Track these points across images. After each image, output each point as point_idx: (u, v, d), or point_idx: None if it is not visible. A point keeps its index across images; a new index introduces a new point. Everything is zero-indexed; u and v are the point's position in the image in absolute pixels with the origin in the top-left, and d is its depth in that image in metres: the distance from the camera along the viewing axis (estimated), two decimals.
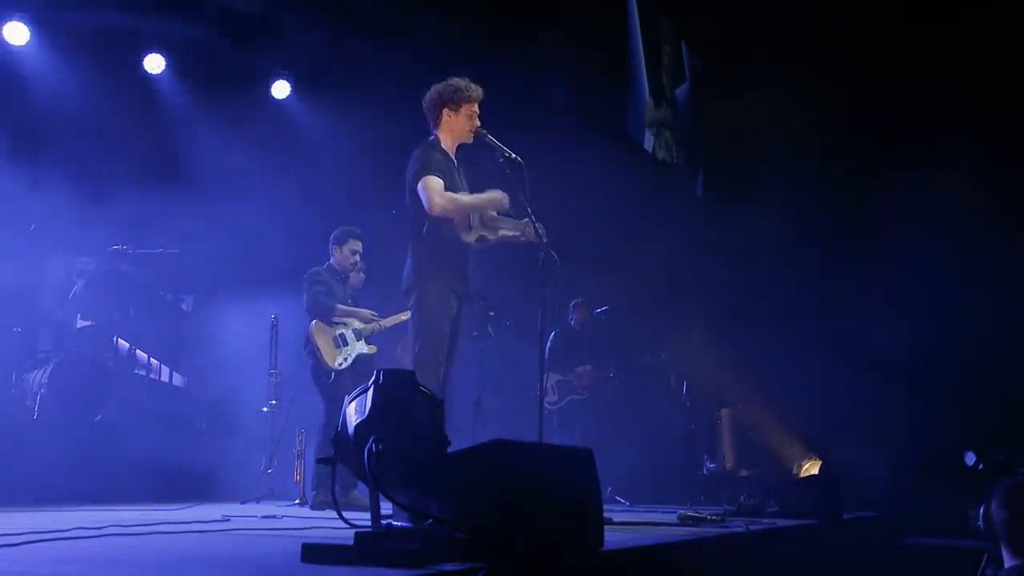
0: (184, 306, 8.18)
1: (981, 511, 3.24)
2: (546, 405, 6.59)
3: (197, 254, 7.66)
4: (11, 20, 7.41)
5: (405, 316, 5.47)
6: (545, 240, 4.71)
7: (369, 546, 2.51)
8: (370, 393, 3.18)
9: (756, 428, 8.65)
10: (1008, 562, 3.17)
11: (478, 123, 4.92)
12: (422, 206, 4.73)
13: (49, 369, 6.62)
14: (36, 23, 7.50)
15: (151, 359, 7.49)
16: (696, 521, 4.67)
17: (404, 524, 2.96)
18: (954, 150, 8.53)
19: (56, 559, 2.69)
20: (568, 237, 5.34)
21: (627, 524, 4.46)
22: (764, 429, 8.55)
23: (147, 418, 6.86)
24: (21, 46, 7.49)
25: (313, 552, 2.54)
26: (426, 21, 8.15)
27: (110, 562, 2.70)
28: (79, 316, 7.32)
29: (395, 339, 6.93)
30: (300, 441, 6.54)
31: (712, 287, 9.23)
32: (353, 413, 3.20)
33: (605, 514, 3.10)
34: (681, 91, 11.12)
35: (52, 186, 6.87)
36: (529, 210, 4.69)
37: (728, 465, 8.67)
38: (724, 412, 8.78)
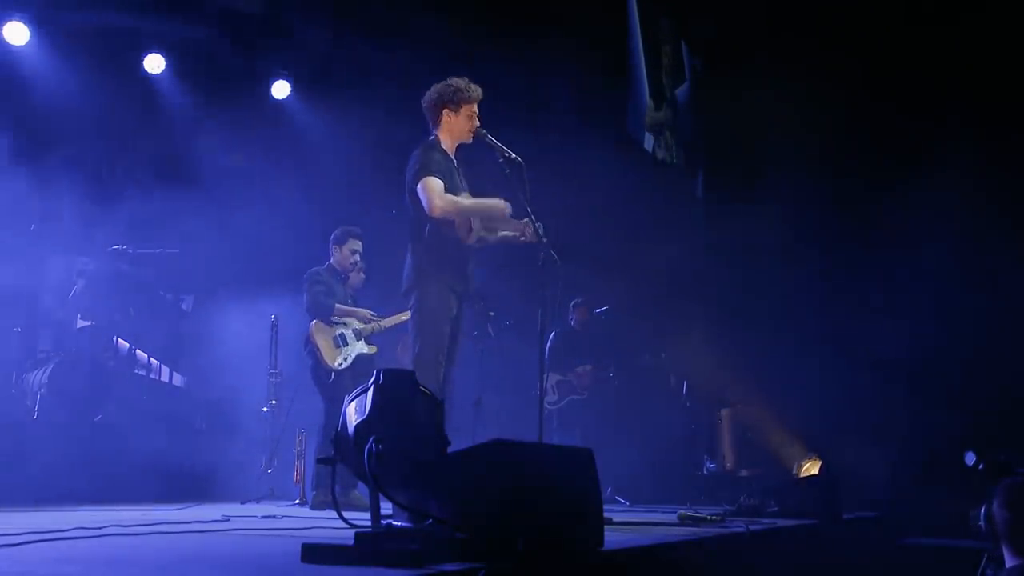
0: (184, 306, 8.18)
1: (983, 511, 3.24)
2: (546, 405, 6.59)
3: (197, 254, 7.66)
4: (11, 20, 7.41)
5: (405, 316, 5.47)
6: (545, 240, 4.71)
7: (369, 546, 2.51)
8: (370, 393, 3.18)
9: (756, 428, 8.65)
10: (1009, 562, 3.17)
11: (477, 123, 4.92)
12: (422, 207, 4.73)
13: (49, 369, 6.62)
14: (36, 23, 7.50)
15: (151, 359, 7.48)
16: (696, 521, 4.67)
17: (404, 524, 2.96)
18: (954, 150, 8.53)
19: (56, 559, 2.69)
20: (568, 237, 5.34)
21: (627, 524, 4.46)
22: (764, 429, 8.55)
23: (147, 418, 6.86)
24: (21, 46, 7.49)
25: (313, 552, 2.54)
26: (426, 21, 8.15)
27: (110, 562, 2.70)
28: (79, 316, 7.32)
29: (395, 339, 6.93)
30: (300, 441, 6.54)
31: (712, 287, 9.23)
32: (353, 413, 3.20)
33: (605, 514, 3.10)
34: (681, 91, 11.12)
35: (52, 186, 6.87)
36: (529, 210, 4.69)
37: (728, 465, 8.67)
38: (724, 412, 8.78)
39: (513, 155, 4.72)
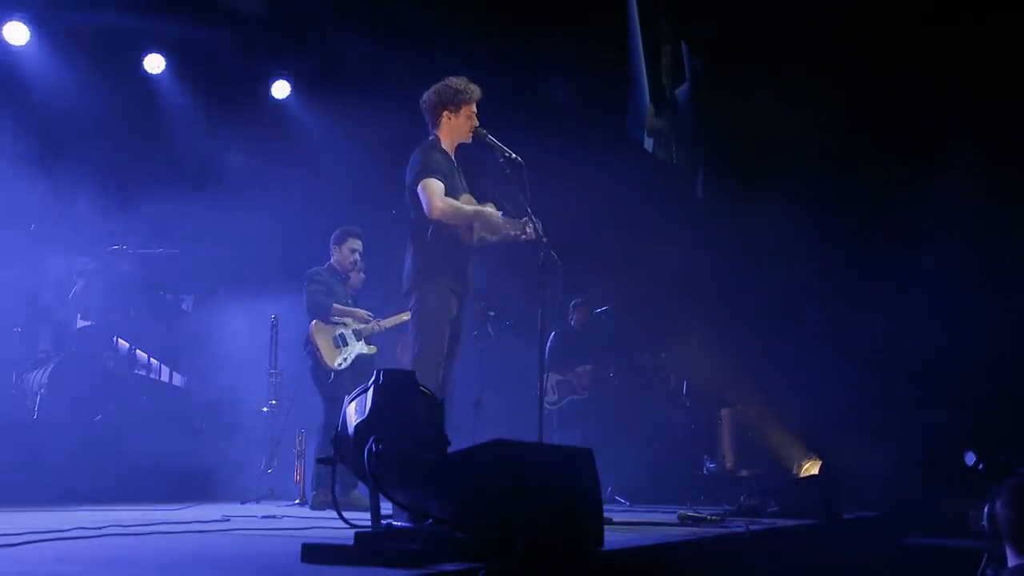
0: (184, 306, 8.18)
1: (985, 511, 3.24)
2: (546, 405, 6.59)
3: (197, 254, 7.66)
4: (11, 20, 7.41)
5: (405, 317, 5.48)
6: (545, 240, 4.71)
7: (369, 546, 2.51)
8: (370, 393, 3.18)
9: (756, 428, 8.65)
10: (1012, 561, 3.17)
11: (477, 123, 4.92)
12: (422, 208, 4.73)
13: (49, 369, 6.62)
14: (36, 23, 7.50)
15: (151, 359, 7.49)
16: (696, 521, 4.67)
17: (404, 524, 2.96)
18: (954, 150, 8.53)
19: (56, 559, 2.69)
20: (568, 237, 5.34)
21: (627, 524, 4.46)
22: (764, 429, 8.55)
23: (147, 418, 6.87)
24: (21, 46, 7.49)
25: (313, 552, 2.54)
26: (426, 21, 8.15)
27: (110, 562, 2.70)
28: (79, 316, 7.32)
29: (395, 339, 6.93)
30: (300, 441, 6.54)
31: (712, 287, 9.22)
32: (353, 413, 3.20)
33: (605, 514, 3.10)
34: (681, 91, 11.11)
35: (51, 186, 6.87)
36: (529, 210, 4.69)
37: (728, 465, 8.67)
38: (724, 412, 8.78)
39: (513, 155, 4.72)
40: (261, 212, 7.75)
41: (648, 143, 10.35)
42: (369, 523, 3.04)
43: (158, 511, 5.05)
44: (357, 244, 6.69)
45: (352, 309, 6.53)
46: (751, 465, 8.50)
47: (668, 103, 10.82)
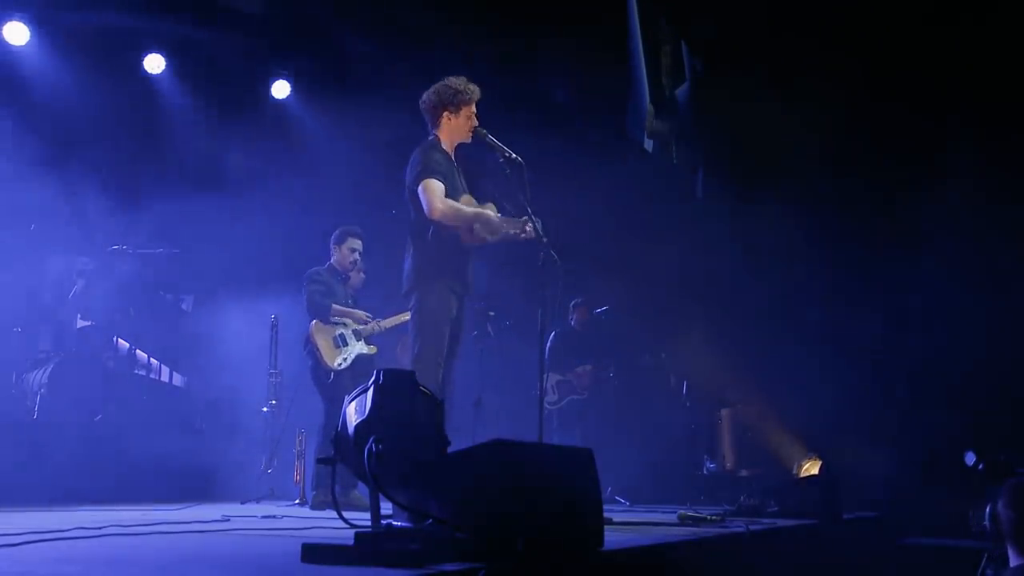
0: (184, 306, 8.18)
1: (987, 511, 3.25)
2: (546, 405, 6.59)
3: (197, 254, 7.66)
4: (11, 20, 7.41)
5: (405, 317, 5.47)
6: (545, 240, 4.71)
7: (369, 546, 2.51)
8: (370, 393, 3.18)
9: (756, 428, 8.65)
10: (1014, 560, 3.17)
11: (476, 123, 4.92)
12: (422, 208, 4.73)
13: (49, 369, 6.62)
14: (36, 23, 7.50)
15: (151, 359, 7.49)
16: (696, 521, 4.67)
17: (404, 524, 2.96)
18: (954, 150, 8.53)
19: (56, 559, 2.69)
20: (568, 237, 5.34)
21: (627, 524, 4.46)
22: (764, 429, 8.55)
23: (147, 418, 6.87)
24: (21, 46, 7.49)
25: (313, 552, 2.54)
26: (426, 21, 8.15)
27: (110, 562, 2.70)
28: (79, 316, 7.32)
29: (395, 339, 6.93)
30: (300, 441, 6.54)
31: (712, 287, 9.22)
32: (353, 413, 3.20)
33: (605, 514, 3.10)
34: (681, 91, 11.11)
35: (51, 186, 6.87)
36: (529, 210, 4.69)
37: (728, 465, 8.67)
38: (724, 412, 8.78)
39: (513, 155, 4.72)
40: (261, 212, 7.75)
41: (648, 144, 10.35)
42: (369, 523, 3.04)
43: (158, 511, 5.05)
44: (357, 244, 6.69)
45: (351, 310, 6.53)
46: (751, 465, 8.50)
47: (668, 103, 10.82)
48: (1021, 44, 8.20)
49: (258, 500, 6.40)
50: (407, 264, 4.88)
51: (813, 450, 8.01)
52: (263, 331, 7.01)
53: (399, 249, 4.97)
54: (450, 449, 3.22)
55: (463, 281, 4.86)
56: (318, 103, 8.86)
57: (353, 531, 2.59)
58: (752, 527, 4.35)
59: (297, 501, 6.30)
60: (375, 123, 7.93)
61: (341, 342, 6.40)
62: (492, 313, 7.05)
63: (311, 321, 6.41)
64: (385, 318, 6.58)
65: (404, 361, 6.12)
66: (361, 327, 6.49)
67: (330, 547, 2.57)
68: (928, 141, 8.85)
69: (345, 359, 6.33)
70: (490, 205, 4.87)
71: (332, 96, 8.63)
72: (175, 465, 6.40)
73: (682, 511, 5.03)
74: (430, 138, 4.95)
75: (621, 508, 6.85)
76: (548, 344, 7.31)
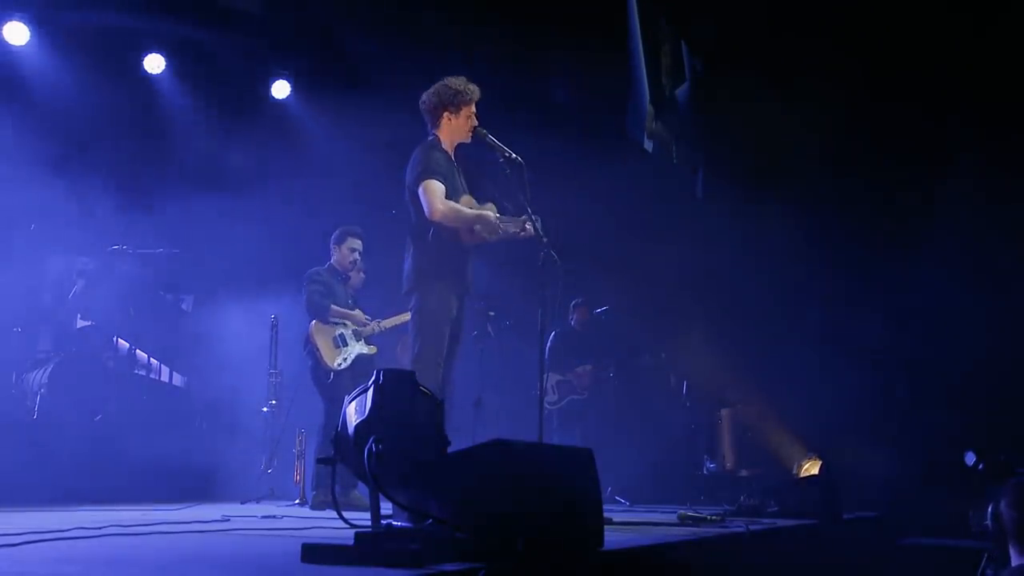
0: (184, 306, 8.18)
1: (989, 510, 3.25)
2: (546, 405, 6.59)
3: (197, 254, 7.66)
4: (11, 20, 7.41)
5: (406, 317, 5.47)
6: (545, 240, 4.71)
7: (369, 546, 2.51)
8: (370, 393, 3.18)
9: (756, 428, 8.66)
10: (1016, 560, 3.17)
11: (476, 123, 4.92)
12: (423, 209, 4.73)
13: (49, 369, 6.62)
14: (36, 23, 7.50)
15: (151, 359, 7.49)
16: (696, 521, 4.67)
17: (404, 524, 2.96)
18: (954, 150, 8.53)
19: (56, 559, 2.69)
20: (568, 237, 5.34)
21: (627, 524, 4.46)
22: (764, 429, 8.55)
23: (147, 418, 6.86)
24: (21, 46, 7.49)
25: (313, 552, 2.54)
26: (426, 21, 8.15)
27: (110, 562, 2.70)
28: (79, 316, 7.32)
29: (395, 339, 6.93)
30: (300, 441, 6.54)
31: (712, 287, 9.23)
32: (353, 413, 3.20)
33: (605, 514, 3.10)
34: (681, 91, 11.11)
35: (51, 185, 6.87)
36: (529, 209, 4.69)
37: (728, 465, 8.67)
38: (724, 412, 8.79)
39: (514, 155, 4.72)
40: (261, 212, 7.74)
41: (648, 144, 10.35)
42: (369, 523, 3.04)
43: (158, 511, 5.05)
44: (357, 244, 6.69)
45: (350, 312, 6.52)
46: (751, 465, 8.50)
47: (668, 103, 10.82)
48: (1021, 44, 8.20)
49: (258, 500, 6.40)
50: (407, 264, 4.88)
51: (813, 450, 8.01)
52: (263, 331, 7.01)
53: (399, 249, 4.97)
54: (450, 449, 3.22)
55: (463, 281, 4.87)
56: (318, 103, 8.86)
57: (353, 531, 2.59)
58: (752, 527, 4.35)
59: (297, 501, 6.30)
60: (375, 123, 7.92)
61: (341, 342, 6.40)
62: (492, 313, 7.06)
63: (311, 321, 6.41)
64: (385, 318, 6.58)
65: (404, 361, 6.12)
66: (361, 328, 6.50)
67: (330, 547, 2.57)
68: (928, 141, 8.85)
69: (345, 359, 6.33)
70: (490, 205, 4.87)
71: (332, 96, 8.62)
72: (175, 465, 6.40)
73: (682, 511, 5.03)
74: (430, 138, 4.95)
75: (621, 508, 6.85)
76: (548, 344, 7.31)
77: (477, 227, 4.79)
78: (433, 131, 4.97)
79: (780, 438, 8.38)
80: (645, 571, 3.21)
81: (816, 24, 9.14)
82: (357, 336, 6.46)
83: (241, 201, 7.65)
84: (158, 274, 7.46)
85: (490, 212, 4.81)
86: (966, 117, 8.59)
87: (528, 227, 4.73)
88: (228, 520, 4.37)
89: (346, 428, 3.20)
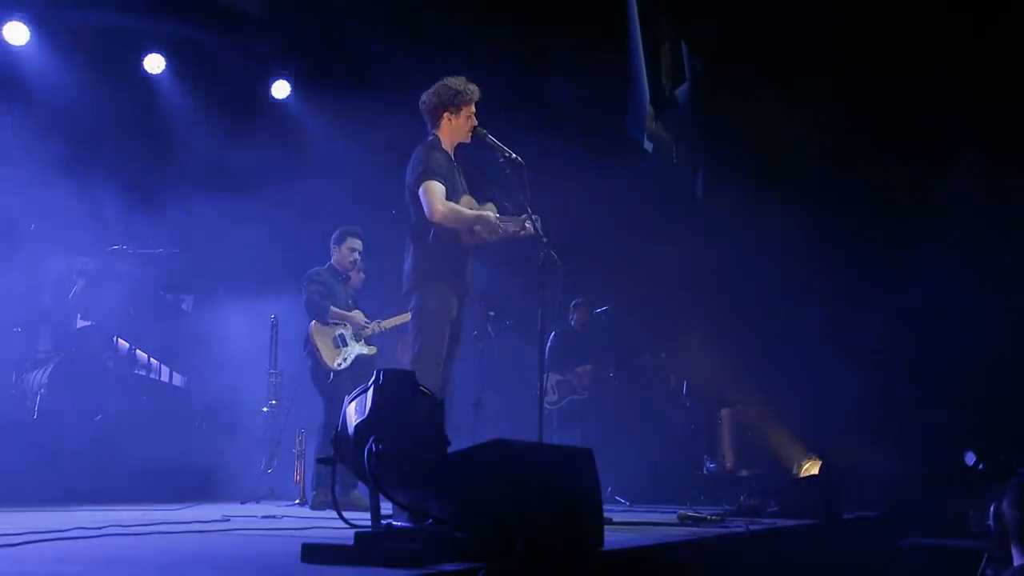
0: (184, 306, 8.18)
1: (992, 510, 3.25)
2: (546, 405, 6.59)
3: (197, 254, 7.66)
4: (11, 20, 7.40)
5: (406, 318, 5.47)
6: (545, 239, 4.71)
7: (369, 546, 2.51)
8: (370, 393, 3.18)
9: (756, 428, 8.66)
10: (1018, 560, 3.17)
11: (476, 122, 4.92)
12: (423, 209, 4.73)
13: (49, 369, 6.62)
14: (36, 23, 7.50)
15: (151, 359, 7.48)
16: (696, 521, 4.67)
17: (404, 524, 2.96)
18: (954, 150, 8.53)
19: (56, 559, 2.69)
20: (568, 237, 5.34)
21: (627, 524, 4.46)
22: (764, 429, 8.56)
23: (147, 418, 6.86)
24: (21, 46, 7.49)
25: (313, 552, 2.54)
26: (426, 21, 8.15)
27: (110, 562, 2.70)
28: (79, 316, 7.31)
29: (395, 340, 6.93)
30: (300, 441, 6.54)
31: (712, 287, 9.23)
32: (353, 413, 3.20)
33: (605, 514, 3.10)
34: (681, 91, 11.11)
35: (50, 185, 6.87)
36: (529, 209, 4.70)
37: (728, 465, 8.67)
38: (724, 412, 8.79)
39: (514, 155, 4.73)
40: (261, 212, 7.74)
41: (648, 144, 10.35)
42: (369, 523, 3.04)
43: (158, 511, 5.05)
44: (357, 244, 6.69)
45: (348, 315, 6.50)
46: (751, 465, 8.50)
47: (668, 103, 10.82)
48: (1021, 44, 8.20)
49: (258, 500, 6.40)
50: (407, 265, 4.88)
51: (813, 450, 8.01)
52: (263, 331, 7.01)
53: (399, 249, 4.97)
54: (450, 449, 3.22)
55: (463, 282, 4.87)
56: (318, 103, 8.86)
57: (353, 531, 2.59)
58: (752, 527, 4.35)
59: (297, 501, 6.30)
60: (375, 123, 7.92)
61: (341, 342, 6.40)
62: (492, 313, 7.05)
63: (311, 321, 6.41)
64: (386, 318, 6.58)
65: (404, 361, 6.11)
66: (360, 330, 6.50)
67: (330, 547, 2.57)
68: (928, 141, 8.85)
69: (345, 359, 6.33)
70: (490, 205, 4.87)
71: (332, 96, 8.62)
72: (175, 465, 6.40)
73: (682, 511, 5.03)
74: (430, 138, 4.95)
75: (621, 508, 6.85)
76: (548, 344, 7.31)
77: (477, 228, 4.79)
78: (433, 131, 4.97)
79: (780, 438, 8.38)
80: (645, 571, 3.21)
81: (816, 24, 9.14)
82: (357, 336, 6.46)
83: (241, 201, 7.65)
84: (158, 274, 7.46)
85: (490, 212, 4.81)
86: (966, 117, 8.59)
87: (528, 226, 4.73)
88: (228, 520, 4.37)
89: (346, 428, 3.20)
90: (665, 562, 3.42)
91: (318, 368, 6.33)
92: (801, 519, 5.27)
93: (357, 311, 6.59)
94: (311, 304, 6.41)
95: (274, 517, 4.73)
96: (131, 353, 7.33)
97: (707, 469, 8.48)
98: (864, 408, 8.22)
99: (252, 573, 2.49)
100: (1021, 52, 8.22)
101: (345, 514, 3.42)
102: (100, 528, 3.51)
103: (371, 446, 2.96)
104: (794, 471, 7.90)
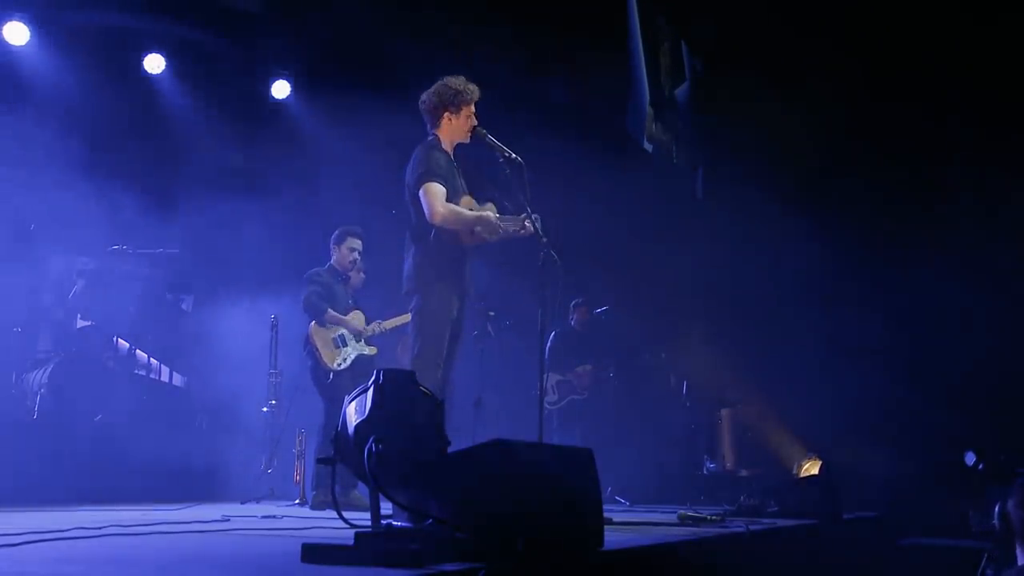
0: (184, 306, 8.18)
1: (996, 510, 3.25)
2: (546, 405, 6.59)
3: (197, 254, 7.65)
4: (11, 20, 7.41)
5: (406, 319, 5.47)
6: (545, 239, 4.71)
7: (369, 546, 2.51)
8: (370, 393, 3.18)
9: (756, 428, 8.66)
10: (1022, 559, 3.17)
11: (476, 122, 4.93)
12: (423, 210, 4.73)
13: (49, 369, 6.62)
14: (36, 23, 7.50)
15: (151, 359, 7.48)
16: (696, 521, 4.67)
17: (404, 524, 2.96)
18: (955, 150, 8.53)
19: (56, 559, 2.69)
20: (568, 237, 5.34)
21: (627, 524, 4.46)
22: (764, 429, 8.56)
23: (147, 418, 6.86)
24: (21, 46, 7.49)
25: (313, 552, 2.54)
26: (426, 21, 8.15)
27: (110, 562, 2.70)
28: (79, 316, 7.31)
29: (395, 340, 6.93)
30: (300, 441, 6.54)
31: (712, 287, 9.23)
32: (353, 413, 3.20)
33: (605, 514, 3.10)
34: (681, 91, 11.11)
35: (50, 185, 6.87)
36: (528, 209, 4.69)
37: (728, 465, 8.67)
38: (724, 412, 8.79)
39: (513, 155, 4.73)
40: (261, 212, 7.74)
41: (648, 146, 10.36)
42: (369, 523, 3.04)
43: (158, 511, 5.05)
44: (356, 244, 6.68)
45: (345, 319, 6.48)
46: (751, 465, 8.50)
47: (668, 103, 10.82)
48: (1021, 44, 8.20)
49: (258, 500, 6.40)
50: (408, 265, 4.88)
51: (813, 450, 8.01)
52: (263, 331, 7.01)
53: (399, 249, 4.97)
54: (450, 449, 3.22)
55: (463, 282, 4.87)
56: (318, 103, 8.86)
57: (353, 531, 2.59)
58: (752, 527, 4.35)
59: (297, 501, 6.30)
60: (375, 123, 7.93)
61: (340, 343, 6.40)
62: (492, 313, 7.05)
63: (310, 321, 6.41)
64: (386, 319, 6.58)
65: (404, 361, 6.11)
66: (361, 329, 6.49)
67: (330, 547, 2.57)
68: (928, 141, 8.85)
69: (344, 359, 6.33)
70: (490, 205, 4.87)
71: (332, 96, 8.62)
72: (175, 465, 6.40)
73: (682, 511, 5.03)
74: (430, 138, 4.94)
75: (621, 508, 6.85)
76: (548, 344, 7.31)
77: (478, 228, 4.79)
78: (433, 131, 4.97)
79: (780, 438, 8.38)
80: (645, 571, 3.21)
81: (816, 24, 9.14)
82: (357, 337, 6.46)
83: (241, 201, 7.65)
84: (158, 274, 7.45)
85: (490, 213, 4.81)
86: (966, 117, 8.59)
87: (528, 225, 4.73)
88: (228, 520, 4.37)
89: (346, 428, 3.20)
90: (665, 562, 3.42)
91: (318, 368, 6.33)
92: (801, 519, 5.27)
93: (357, 312, 6.58)
94: (309, 304, 6.41)
95: (274, 517, 4.73)
96: (131, 353, 7.34)
97: (707, 469, 8.48)
98: (864, 408, 8.22)
99: (252, 573, 2.49)
100: (1021, 52, 8.22)
101: (345, 514, 3.42)
102: (100, 528, 3.51)
103: (371, 446, 2.96)
104: (794, 471, 7.90)
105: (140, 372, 7.40)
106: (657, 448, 8.14)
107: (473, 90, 4.92)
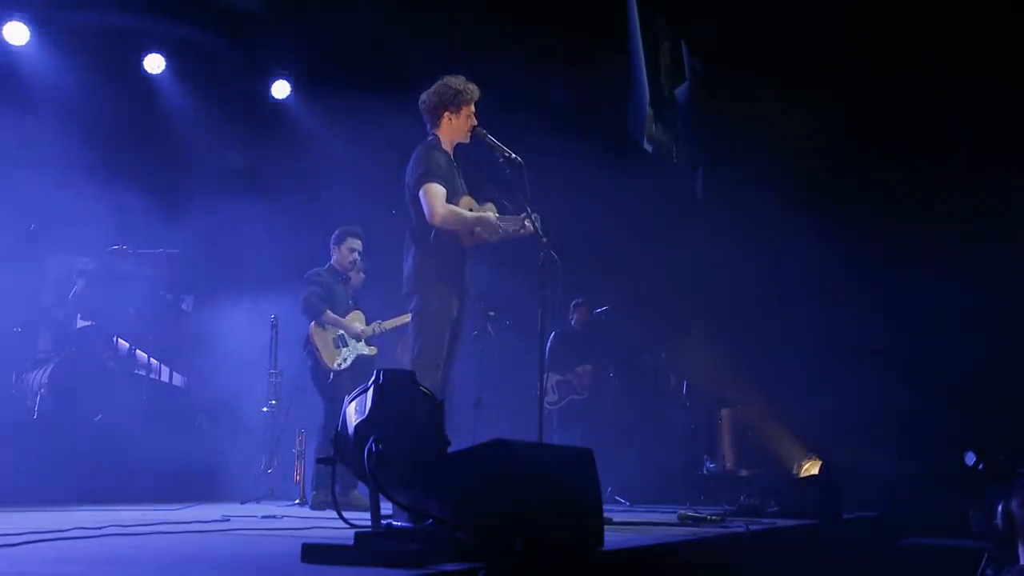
0: (184, 306, 8.18)
1: (999, 510, 3.25)
2: (546, 405, 6.59)
3: (197, 254, 7.65)
4: (11, 20, 7.41)
5: (406, 319, 5.47)
6: (545, 239, 4.71)
7: (369, 546, 2.51)
8: (370, 393, 3.18)
9: (756, 428, 8.66)
10: None
11: (475, 122, 4.93)
12: (423, 211, 4.73)
13: (49, 369, 6.62)
14: (36, 23, 7.50)
15: (151, 359, 7.48)
16: (696, 521, 4.67)
17: (404, 524, 2.96)
18: (954, 150, 8.53)
19: (56, 559, 2.69)
20: (568, 237, 5.34)
21: (627, 524, 4.46)
22: (764, 429, 8.56)
23: (147, 418, 6.86)
24: (21, 46, 7.49)
25: (313, 552, 2.54)
26: (427, 21, 8.15)
27: (110, 562, 2.70)
28: (79, 316, 7.32)
29: (395, 340, 6.93)
30: (300, 441, 6.54)
31: (712, 287, 9.23)
32: (353, 413, 3.20)
33: (605, 514, 3.10)
34: (681, 91, 11.12)
35: (50, 185, 6.87)
36: (528, 209, 4.69)
37: (728, 465, 8.67)
38: (724, 412, 8.79)
39: (513, 155, 4.72)
40: (261, 212, 7.74)
41: (648, 147, 10.36)
42: (369, 523, 3.04)
43: (158, 511, 5.05)
44: (356, 244, 6.68)
45: (343, 321, 6.47)
46: (751, 465, 8.50)
47: (668, 103, 10.82)
48: (1021, 44, 8.20)
49: (258, 500, 6.40)
50: (408, 266, 4.88)
51: (813, 450, 8.01)
52: (263, 331, 7.01)
53: (399, 249, 4.97)
54: (450, 449, 3.22)
55: (463, 282, 4.87)
56: (318, 103, 8.86)
57: (353, 531, 2.59)
58: (752, 527, 4.35)
59: (297, 501, 6.30)
60: (375, 123, 7.93)
61: (341, 343, 6.40)
62: (492, 313, 7.06)
63: (310, 321, 6.41)
64: (386, 319, 6.58)
65: (404, 361, 6.11)
66: (360, 329, 6.49)
67: (330, 547, 2.57)
68: (928, 141, 8.85)
69: (344, 360, 6.33)
70: (490, 205, 4.87)
71: (332, 96, 8.62)
72: (175, 465, 6.40)
73: (682, 511, 5.03)
74: (430, 138, 4.94)
75: (621, 508, 6.85)
76: (548, 344, 7.31)
77: (477, 229, 4.79)
78: (433, 131, 4.97)
79: (780, 438, 8.38)
80: (645, 571, 3.21)
81: (816, 24, 9.14)
82: (357, 336, 6.46)
83: (241, 201, 7.65)
84: (159, 274, 7.46)
85: (490, 213, 4.81)
86: (966, 117, 8.59)
87: (528, 224, 4.73)
88: (228, 520, 4.37)
89: (346, 428, 3.21)
90: (665, 562, 3.42)
91: (318, 368, 6.33)
92: (801, 519, 5.27)
93: (357, 313, 6.58)
94: (308, 305, 6.41)
95: (274, 517, 4.73)
96: (131, 353, 7.34)
97: (707, 469, 8.47)
98: (864, 408, 8.22)
99: (252, 573, 2.49)
100: (1021, 52, 8.22)
101: (345, 514, 3.42)
102: (100, 528, 3.51)
103: (371, 446, 2.96)
104: (794, 471, 7.90)
105: (140, 372, 7.39)
106: (657, 448, 8.14)
107: (473, 90, 4.92)
